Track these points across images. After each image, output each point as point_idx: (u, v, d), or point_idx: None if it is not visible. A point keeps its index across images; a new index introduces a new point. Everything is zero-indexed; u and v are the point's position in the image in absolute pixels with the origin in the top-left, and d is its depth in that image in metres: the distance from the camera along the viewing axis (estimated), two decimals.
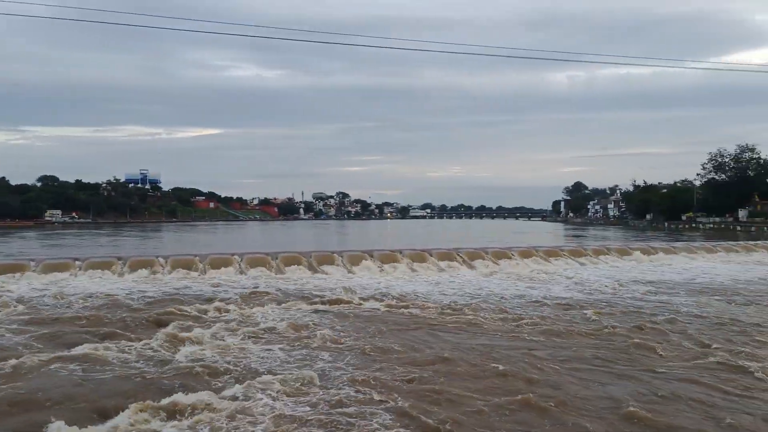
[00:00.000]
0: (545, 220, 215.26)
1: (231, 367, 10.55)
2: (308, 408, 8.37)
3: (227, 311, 16.48)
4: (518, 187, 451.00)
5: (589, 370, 10.93)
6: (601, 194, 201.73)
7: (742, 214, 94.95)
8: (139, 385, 9.38)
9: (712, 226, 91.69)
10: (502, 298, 20.30)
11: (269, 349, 12.09)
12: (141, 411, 7.88)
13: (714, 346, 12.71)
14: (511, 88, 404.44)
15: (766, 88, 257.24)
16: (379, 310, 17.61)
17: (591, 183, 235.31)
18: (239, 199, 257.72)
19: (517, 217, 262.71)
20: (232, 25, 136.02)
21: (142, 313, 16.14)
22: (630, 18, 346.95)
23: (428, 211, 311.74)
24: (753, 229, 78.55)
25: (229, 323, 14.68)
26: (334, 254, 29.69)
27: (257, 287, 21.69)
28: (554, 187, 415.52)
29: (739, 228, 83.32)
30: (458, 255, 30.69)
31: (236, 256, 27.65)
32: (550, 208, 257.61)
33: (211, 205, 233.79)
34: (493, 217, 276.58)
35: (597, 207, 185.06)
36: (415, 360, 11.55)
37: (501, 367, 11.03)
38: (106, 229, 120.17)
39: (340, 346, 12.57)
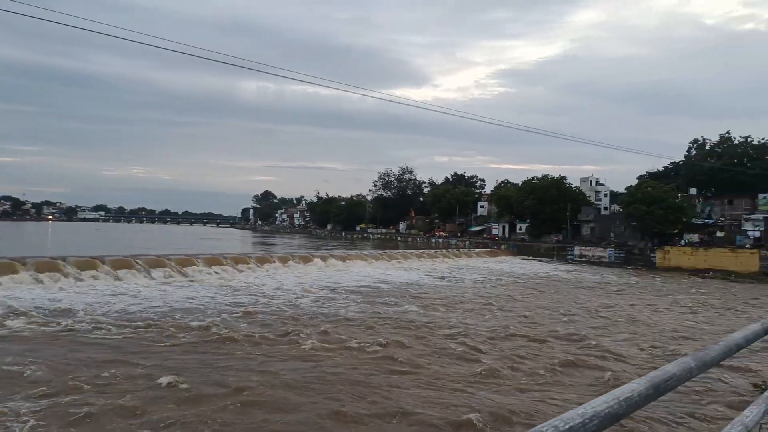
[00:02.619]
0: (234, 227, 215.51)
1: None
2: None
3: None
4: (207, 192, 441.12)
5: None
6: (288, 204, 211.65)
7: (402, 226, 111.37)
8: None
9: (380, 236, 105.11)
10: (188, 310, 18.80)
11: None
12: None
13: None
14: (204, 89, 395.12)
15: (422, 121, 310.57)
16: (21, 331, 14.25)
17: (280, 192, 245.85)
18: None
19: (204, 224, 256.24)
20: None
21: None
22: (318, 41, 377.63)
23: (102, 213, 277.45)
24: (409, 239, 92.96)
25: None
26: None
27: None
28: (244, 194, 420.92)
29: (399, 238, 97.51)
30: (137, 262, 27.66)
31: None
32: (239, 216, 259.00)
33: None
34: (178, 223, 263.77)
35: (284, 216, 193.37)
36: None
37: (165, 382, 9.87)
38: None
39: None
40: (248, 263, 32.63)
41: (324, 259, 38.70)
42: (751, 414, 2.12)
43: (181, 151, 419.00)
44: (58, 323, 15.41)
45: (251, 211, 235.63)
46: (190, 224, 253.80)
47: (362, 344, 14.19)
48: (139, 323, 15.79)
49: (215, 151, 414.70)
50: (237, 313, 18.41)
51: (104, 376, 10.37)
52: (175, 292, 22.69)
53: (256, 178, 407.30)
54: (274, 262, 34.76)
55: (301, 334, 15.04)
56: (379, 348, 13.90)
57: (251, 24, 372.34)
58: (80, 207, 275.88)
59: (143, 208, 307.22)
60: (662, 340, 17.30)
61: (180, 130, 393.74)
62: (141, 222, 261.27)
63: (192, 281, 26.34)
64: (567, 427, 0.97)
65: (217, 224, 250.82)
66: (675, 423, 9.78)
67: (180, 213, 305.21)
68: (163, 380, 10.18)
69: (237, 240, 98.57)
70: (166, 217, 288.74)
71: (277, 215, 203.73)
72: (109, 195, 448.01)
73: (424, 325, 17.24)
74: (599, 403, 1.11)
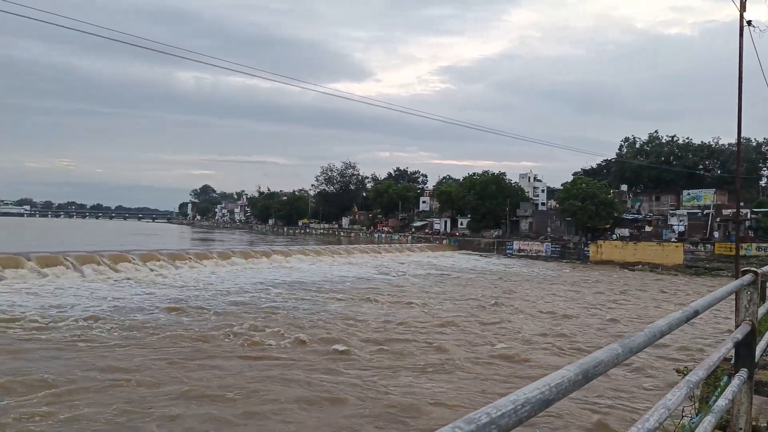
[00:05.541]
0: (171, 222, 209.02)
1: None
2: None
3: None
4: (142, 186, 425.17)
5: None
6: (228, 198, 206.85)
7: (345, 221, 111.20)
8: None
9: (322, 231, 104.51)
10: (122, 307, 17.99)
11: None
12: None
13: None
14: (136, 79, 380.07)
15: (363, 117, 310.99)
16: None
17: (219, 187, 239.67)
18: None
19: (139, 219, 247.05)
20: None
21: None
22: (256, 33, 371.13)
23: (27, 207, 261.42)
24: (352, 234, 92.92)
25: None
26: None
27: None
28: (182, 188, 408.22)
29: (342, 233, 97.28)
30: (66, 259, 26.32)
31: None
32: (177, 210, 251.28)
33: None
34: (111, 218, 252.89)
35: (225, 211, 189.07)
36: None
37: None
38: None
39: None
40: (185, 259, 31.74)
41: (266, 255, 38.13)
42: (673, 397, 2.20)
43: (115, 144, 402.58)
44: None
45: (189, 206, 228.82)
46: (124, 219, 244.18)
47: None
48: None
49: (151, 144, 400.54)
50: (179, 309, 17.81)
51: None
52: (116, 289, 21.73)
53: (195, 172, 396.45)
54: (214, 258, 33.95)
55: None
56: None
57: (183, 13, 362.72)
58: (2, 201, 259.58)
59: (73, 203, 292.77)
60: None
61: (114, 122, 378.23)
62: (71, 217, 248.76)
63: (128, 278, 25.28)
64: (499, 413, 1.00)
65: (153, 219, 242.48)
66: (605, 407, 10.22)
67: (113, 208, 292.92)
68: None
69: (176, 236, 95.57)
70: (98, 211, 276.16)
71: (216, 210, 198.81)
72: (35, 188, 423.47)
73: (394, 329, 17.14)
74: (531, 390, 1.15)
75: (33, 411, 8.62)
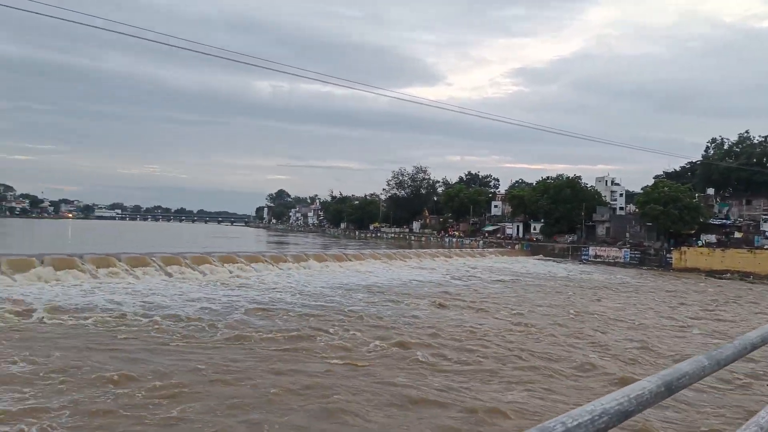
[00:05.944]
0: (248, 226, 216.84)
1: None
2: None
3: None
4: (222, 191, 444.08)
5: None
6: (302, 203, 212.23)
7: (416, 225, 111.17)
8: None
9: (393, 235, 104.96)
10: (215, 309, 18.84)
11: None
12: None
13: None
14: (215, 87, 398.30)
15: (434, 120, 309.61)
16: (48, 324, 14.54)
17: (293, 191, 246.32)
18: None
19: (219, 222, 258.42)
20: None
21: None
22: (330, 40, 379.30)
23: (118, 211, 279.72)
24: (423, 239, 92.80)
25: None
26: None
27: None
28: (258, 193, 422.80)
29: (413, 238, 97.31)
30: (153, 260, 27.94)
31: None
32: (253, 214, 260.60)
33: None
34: (193, 221, 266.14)
35: (298, 215, 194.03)
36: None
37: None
38: None
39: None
40: (261, 261, 32.89)
41: (339, 259, 38.81)
42: (767, 415, 2.09)
43: (196, 150, 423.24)
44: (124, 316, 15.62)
45: (265, 209, 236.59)
46: (205, 222, 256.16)
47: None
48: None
49: (230, 150, 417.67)
50: (260, 309, 18.49)
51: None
52: (197, 290, 22.86)
53: (270, 177, 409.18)
54: (288, 260, 34.96)
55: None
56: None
57: (259, 22, 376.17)
58: (97, 205, 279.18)
59: (159, 207, 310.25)
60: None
61: (194, 129, 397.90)
62: (157, 220, 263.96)
63: (208, 279, 26.49)
64: (575, 423, 0.95)
65: (232, 223, 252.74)
66: (689, 422, 9.69)
67: (195, 211, 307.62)
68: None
69: (252, 238, 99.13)
70: (182, 215, 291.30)
71: (291, 214, 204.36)
72: (125, 193, 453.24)
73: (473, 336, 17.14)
74: (609, 401, 1.12)
75: (147, 401, 9.29)
